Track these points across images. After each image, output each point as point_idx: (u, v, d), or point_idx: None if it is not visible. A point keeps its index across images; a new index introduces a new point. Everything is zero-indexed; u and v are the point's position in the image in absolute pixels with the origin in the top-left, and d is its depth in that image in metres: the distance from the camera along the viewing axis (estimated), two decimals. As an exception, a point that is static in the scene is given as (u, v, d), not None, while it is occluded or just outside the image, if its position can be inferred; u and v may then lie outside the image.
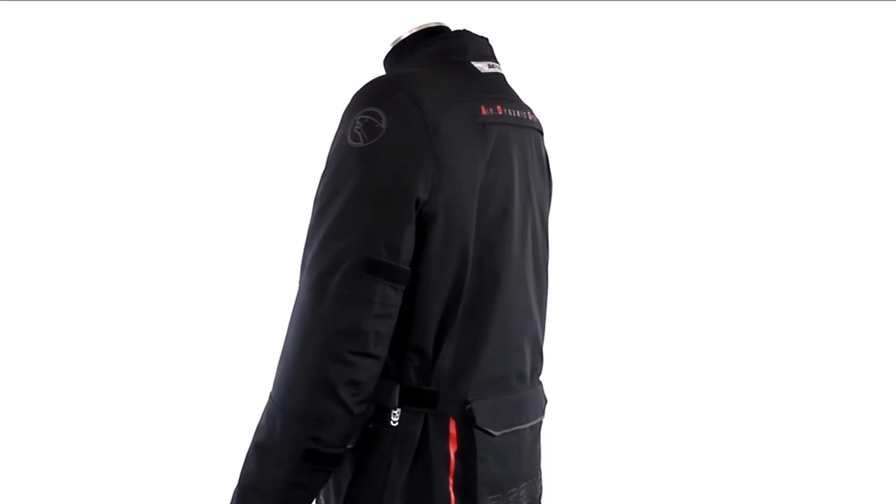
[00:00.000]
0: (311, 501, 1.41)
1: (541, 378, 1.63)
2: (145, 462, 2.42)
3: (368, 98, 1.40)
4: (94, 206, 2.41)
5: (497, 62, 1.57)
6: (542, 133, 1.62)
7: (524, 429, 1.52)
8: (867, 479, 2.66)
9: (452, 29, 1.57)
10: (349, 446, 1.44)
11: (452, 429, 1.42)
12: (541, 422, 1.60)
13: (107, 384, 2.40)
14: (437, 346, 1.42)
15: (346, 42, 2.40)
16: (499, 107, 1.46)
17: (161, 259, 2.42)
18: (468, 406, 1.42)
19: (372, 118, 1.37)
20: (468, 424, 1.41)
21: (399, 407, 1.42)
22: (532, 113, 1.58)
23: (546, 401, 1.64)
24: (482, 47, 1.55)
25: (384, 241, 1.34)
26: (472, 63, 1.50)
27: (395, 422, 1.42)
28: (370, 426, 1.45)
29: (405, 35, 1.55)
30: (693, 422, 2.72)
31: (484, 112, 1.43)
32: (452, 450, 1.42)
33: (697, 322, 2.71)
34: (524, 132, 1.53)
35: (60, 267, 2.39)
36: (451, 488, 1.41)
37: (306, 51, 2.44)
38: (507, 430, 1.47)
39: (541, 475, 1.61)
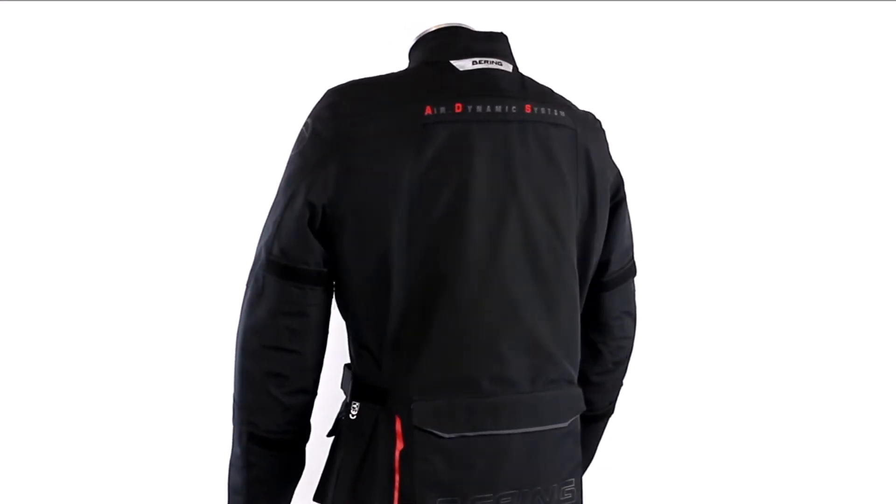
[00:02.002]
0: (276, 480, 1.55)
1: (567, 383, 1.54)
2: (145, 462, 2.42)
3: (312, 108, 1.51)
4: (92, 206, 2.39)
5: (496, 57, 1.53)
6: (556, 125, 1.53)
7: (504, 434, 1.45)
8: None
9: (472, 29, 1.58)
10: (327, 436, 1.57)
11: (398, 427, 1.42)
12: (557, 429, 1.51)
13: (104, 384, 2.40)
14: (378, 344, 1.45)
15: (357, 43, 2.38)
16: (457, 105, 1.44)
17: (159, 260, 2.41)
18: (411, 405, 1.42)
19: (304, 128, 1.49)
20: (411, 424, 1.42)
21: (357, 401, 1.49)
22: (538, 105, 1.51)
23: (575, 409, 1.56)
24: (474, 44, 1.53)
25: (280, 244, 1.44)
26: (452, 62, 1.50)
27: (353, 415, 1.49)
28: (342, 417, 1.54)
29: (429, 31, 1.58)
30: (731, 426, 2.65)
31: (428, 112, 1.43)
32: (398, 448, 1.42)
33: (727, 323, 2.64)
34: (510, 127, 1.47)
35: (57, 267, 2.38)
36: (396, 485, 1.42)
37: (316, 53, 2.40)
38: (470, 434, 1.43)
39: (560, 485, 1.51)
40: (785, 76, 2.60)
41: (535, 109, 1.50)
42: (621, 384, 1.83)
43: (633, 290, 1.77)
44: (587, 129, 1.59)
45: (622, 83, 2.54)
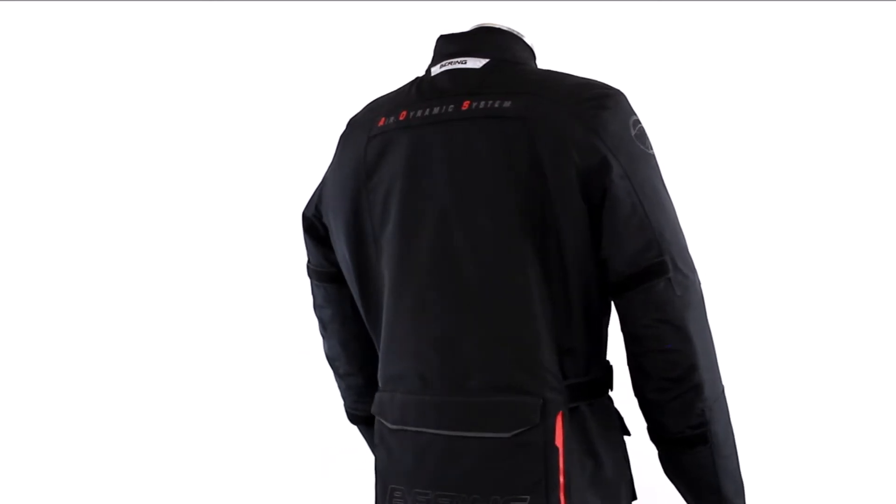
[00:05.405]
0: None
1: (515, 391, 1.39)
2: (146, 462, 2.44)
3: None
4: (94, 206, 2.43)
5: (466, 55, 1.46)
6: (497, 118, 1.38)
7: (430, 433, 1.42)
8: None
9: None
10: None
11: None
12: (495, 438, 1.38)
13: (106, 385, 2.43)
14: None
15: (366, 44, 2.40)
16: (402, 113, 1.46)
17: (161, 261, 2.45)
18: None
19: None
20: None
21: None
22: (478, 100, 1.40)
23: (525, 421, 1.38)
24: (449, 46, 1.49)
25: (306, 250, 1.71)
26: (431, 68, 1.51)
27: None
28: None
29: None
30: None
31: (380, 123, 1.49)
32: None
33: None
34: (440, 128, 1.42)
35: (58, 268, 2.43)
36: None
37: (336, 56, 2.43)
38: (410, 428, 1.45)
39: (505, 498, 1.37)
40: (791, 76, 2.61)
41: (473, 104, 1.40)
42: (699, 409, 1.46)
43: (669, 296, 1.41)
44: (551, 113, 1.37)
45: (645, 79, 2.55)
